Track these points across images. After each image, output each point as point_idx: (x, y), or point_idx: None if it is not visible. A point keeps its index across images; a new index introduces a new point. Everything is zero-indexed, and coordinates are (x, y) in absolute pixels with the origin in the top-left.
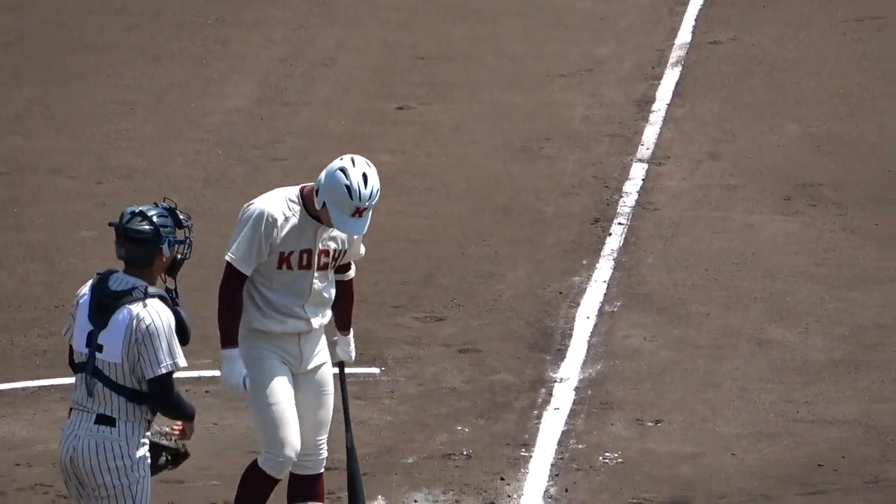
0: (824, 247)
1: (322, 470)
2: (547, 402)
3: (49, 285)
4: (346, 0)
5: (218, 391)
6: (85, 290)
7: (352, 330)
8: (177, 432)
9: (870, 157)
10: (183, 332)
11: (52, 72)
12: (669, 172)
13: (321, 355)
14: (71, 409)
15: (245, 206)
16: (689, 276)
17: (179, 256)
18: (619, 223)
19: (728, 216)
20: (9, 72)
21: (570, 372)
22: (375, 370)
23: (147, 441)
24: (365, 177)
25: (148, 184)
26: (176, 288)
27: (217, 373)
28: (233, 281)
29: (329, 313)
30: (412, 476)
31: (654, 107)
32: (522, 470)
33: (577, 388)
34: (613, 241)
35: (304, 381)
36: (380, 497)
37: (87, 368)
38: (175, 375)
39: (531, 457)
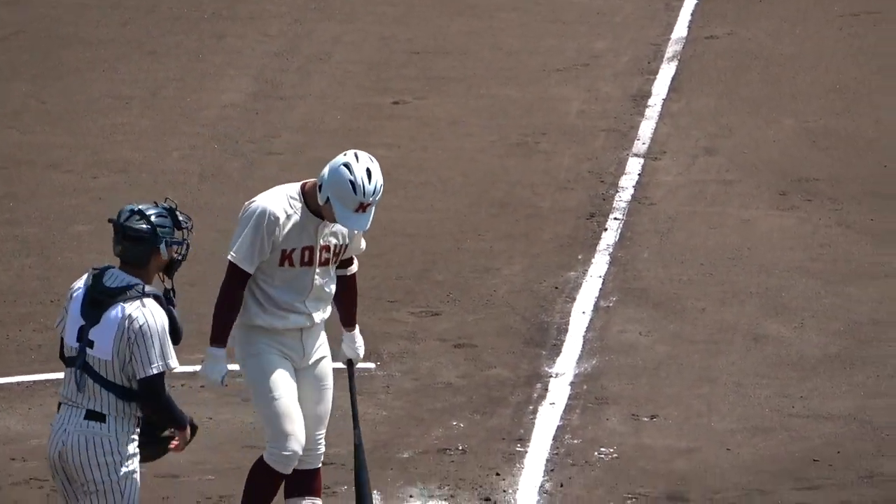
0: (820, 242)
1: (320, 465)
2: (542, 396)
3: (44, 280)
4: None
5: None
6: (79, 283)
7: (357, 326)
8: (173, 445)
9: (866, 151)
10: (175, 333)
11: (47, 66)
12: (665, 167)
13: (321, 349)
14: (60, 403)
15: (246, 204)
16: (685, 271)
17: (177, 257)
18: (615, 218)
19: (724, 211)
20: (5, 66)
21: (565, 367)
22: (371, 365)
23: (136, 437)
24: (369, 172)
25: (143, 178)
26: (173, 288)
27: None
28: (235, 280)
29: (329, 308)
30: (407, 471)
31: (650, 101)
32: (518, 465)
33: (572, 383)
34: (609, 236)
35: (303, 375)
36: (375, 492)
37: (77, 363)
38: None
39: (526, 452)
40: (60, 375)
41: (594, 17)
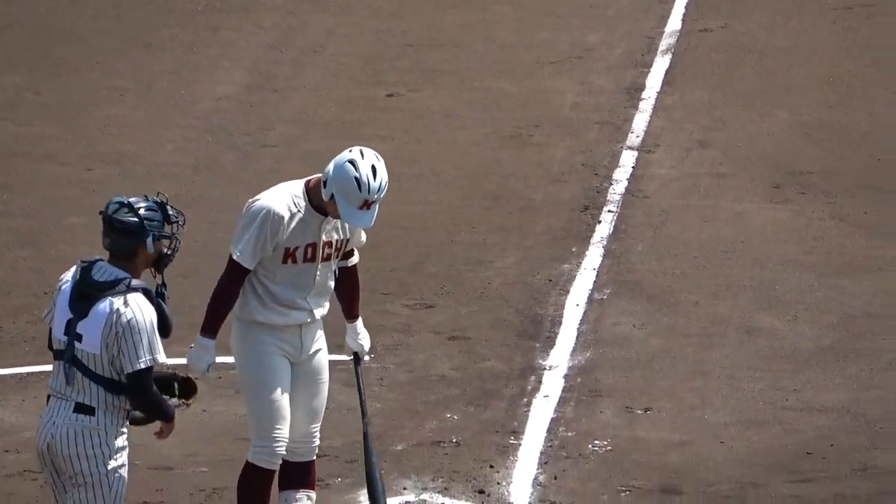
0: (814, 235)
1: (314, 457)
2: (536, 389)
3: (38, 272)
4: None
5: (207, 378)
6: (68, 275)
7: (360, 318)
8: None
9: (860, 145)
10: (164, 326)
11: (42, 59)
12: (659, 160)
13: (318, 343)
14: (49, 395)
15: (250, 201)
16: (679, 264)
17: (166, 252)
18: (609, 211)
19: (717, 204)
20: (0, 59)
21: (559, 359)
22: (365, 357)
23: (126, 430)
24: (374, 169)
25: (138, 170)
26: (164, 283)
27: None
28: (234, 275)
29: (328, 303)
30: (401, 463)
31: (644, 94)
32: (511, 457)
33: (566, 376)
34: (603, 229)
35: (299, 368)
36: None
37: (65, 357)
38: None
39: (520, 444)
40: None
41: (588, 9)
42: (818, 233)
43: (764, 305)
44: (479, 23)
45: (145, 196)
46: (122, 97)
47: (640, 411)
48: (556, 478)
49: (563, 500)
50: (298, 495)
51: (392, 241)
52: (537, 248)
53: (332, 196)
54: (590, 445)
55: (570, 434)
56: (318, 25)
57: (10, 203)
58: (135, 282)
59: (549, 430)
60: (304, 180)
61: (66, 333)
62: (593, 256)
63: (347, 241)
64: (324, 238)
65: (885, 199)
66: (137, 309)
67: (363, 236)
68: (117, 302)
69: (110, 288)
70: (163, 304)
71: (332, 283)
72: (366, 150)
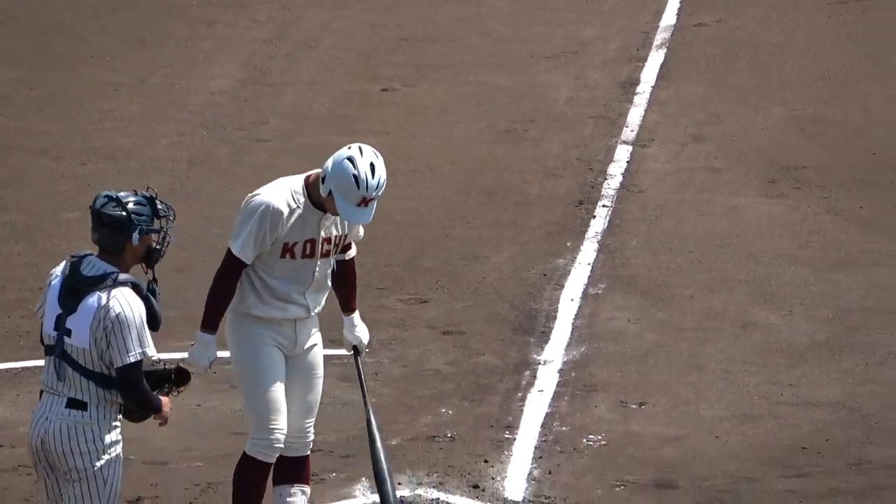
0: (808, 229)
1: (308, 452)
2: (531, 384)
3: (33, 266)
4: None
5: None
6: (58, 271)
7: (357, 311)
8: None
9: (854, 139)
10: (153, 320)
11: (37, 53)
12: (654, 155)
13: (313, 338)
14: (41, 391)
15: (249, 196)
16: (674, 258)
17: (156, 246)
18: (604, 205)
19: (712, 199)
20: None
21: (553, 354)
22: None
23: (119, 424)
24: (372, 167)
25: (132, 165)
26: (155, 279)
27: None
28: (232, 269)
29: (324, 299)
30: (396, 458)
31: (639, 89)
32: (506, 452)
33: (560, 371)
34: (598, 224)
35: (294, 363)
36: (363, 479)
37: (56, 352)
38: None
39: (515, 439)
40: None
41: (583, 4)
42: (813, 227)
43: (759, 300)
44: (473, 17)
45: (134, 191)
46: (116, 91)
47: (634, 406)
48: (550, 472)
49: (558, 495)
50: (293, 490)
51: (387, 236)
52: (532, 243)
53: (330, 192)
54: (584, 440)
55: (564, 429)
56: (313, 20)
57: (5, 197)
58: (123, 276)
59: (543, 425)
60: (304, 176)
61: (55, 329)
62: (588, 251)
63: (346, 236)
64: (323, 234)
65: (880, 194)
66: (125, 303)
67: (361, 231)
68: (105, 296)
69: (98, 283)
70: (152, 297)
71: (329, 280)
72: (365, 148)
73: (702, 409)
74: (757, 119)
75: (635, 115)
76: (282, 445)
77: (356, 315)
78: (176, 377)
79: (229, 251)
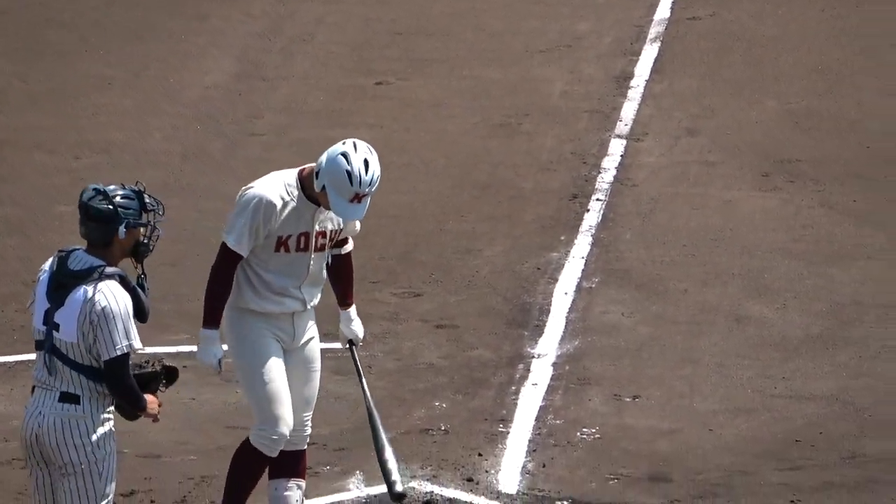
0: (802, 223)
1: (305, 446)
2: (524, 377)
3: (26, 260)
4: None
5: (195, 366)
6: (46, 266)
7: (354, 305)
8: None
9: (848, 133)
10: (141, 312)
11: (31, 46)
12: (648, 148)
13: (310, 331)
14: (34, 386)
15: (243, 189)
16: (667, 252)
17: (144, 240)
18: (598, 199)
19: (706, 192)
20: None
21: (547, 348)
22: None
23: (112, 416)
24: (366, 163)
25: (126, 158)
26: (144, 273)
27: (194, 348)
28: (227, 263)
29: (320, 293)
30: None
31: (633, 83)
32: (500, 445)
33: (554, 364)
34: (591, 217)
35: (292, 357)
36: (357, 472)
37: (45, 347)
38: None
39: (508, 432)
40: None
41: None
42: (807, 221)
43: (753, 293)
44: (468, 11)
45: (122, 184)
46: (110, 85)
47: (628, 399)
48: (544, 466)
49: (552, 488)
50: (289, 484)
51: (381, 230)
52: (526, 237)
53: (323, 188)
54: (578, 433)
55: (558, 422)
56: (307, 14)
57: None
58: (109, 269)
59: (537, 419)
60: (298, 169)
61: (44, 323)
62: (582, 245)
63: (341, 231)
64: (317, 228)
65: (874, 187)
66: (111, 296)
67: (357, 226)
68: (91, 290)
69: (85, 276)
70: (139, 289)
71: (325, 274)
72: (359, 143)
73: (695, 402)
74: (751, 113)
75: (629, 109)
76: (286, 437)
77: (353, 309)
78: (165, 376)
79: (224, 245)
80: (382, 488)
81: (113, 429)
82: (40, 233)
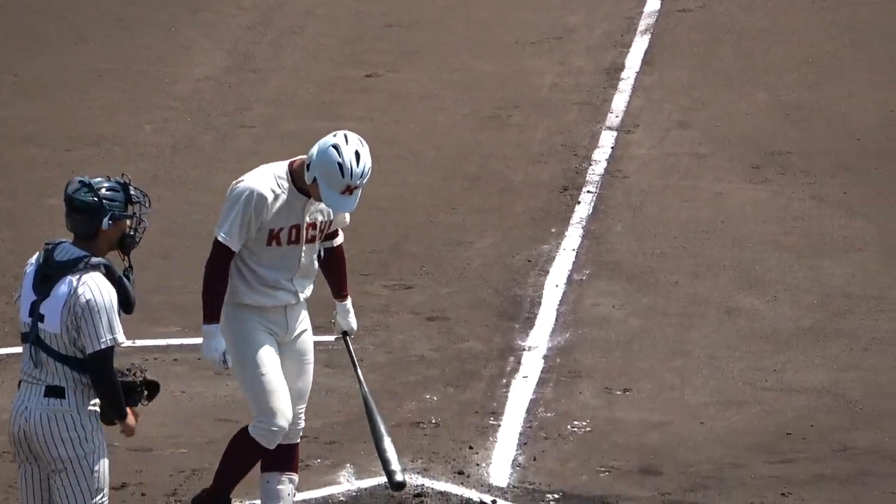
0: (793, 215)
1: (298, 440)
2: (515, 370)
3: (17, 253)
4: None
5: (186, 359)
6: (33, 259)
7: (349, 297)
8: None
9: (839, 125)
10: (126, 303)
11: (21, 39)
12: (638, 140)
13: (303, 324)
14: (20, 381)
15: (234, 183)
16: (658, 244)
17: (130, 232)
18: (588, 191)
19: (697, 184)
20: None
21: (538, 340)
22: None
23: (98, 409)
24: (357, 155)
25: (116, 151)
26: (131, 266)
27: (185, 341)
28: (221, 258)
29: (312, 284)
30: None
31: (623, 75)
32: (491, 438)
33: (545, 357)
34: (582, 210)
35: (285, 350)
36: (348, 465)
37: (30, 339)
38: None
39: (499, 425)
40: None
41: None
42: (798, 213)
43: (744, 286)
44: (458, 3)
45: (108, 177)
46: (100, 78)
47: (619, 392)
48: (535, 458)
49: (543, 481)
50: (281, 478)
51: (371, 222)
52: (517, 229)
53: (314, 180)
54: (569, 426)
55: (549, 415)
56: (298, 6)
57: None
58: (94, 259)
59: (528, 411)
60: (288, 161)
61: (30, 315)
62: (572, 237)
63: (331, 223)
64: (307, 220)
65: (865, 180)
66: (96, 288)
67: (347, 218)
68: (76, 281)
69: (71, 267)
70: (125, 280)
71: (316, 265)
72: (350, 135)
73: (686, 394)
74: (741, 105)
75: (620, 101)
76: (286, 428)
77: (348, 300)
78: (147, 389)
79: (216, 240)
80: (373, 481)
81: (100, 422)
82: (31, 225)
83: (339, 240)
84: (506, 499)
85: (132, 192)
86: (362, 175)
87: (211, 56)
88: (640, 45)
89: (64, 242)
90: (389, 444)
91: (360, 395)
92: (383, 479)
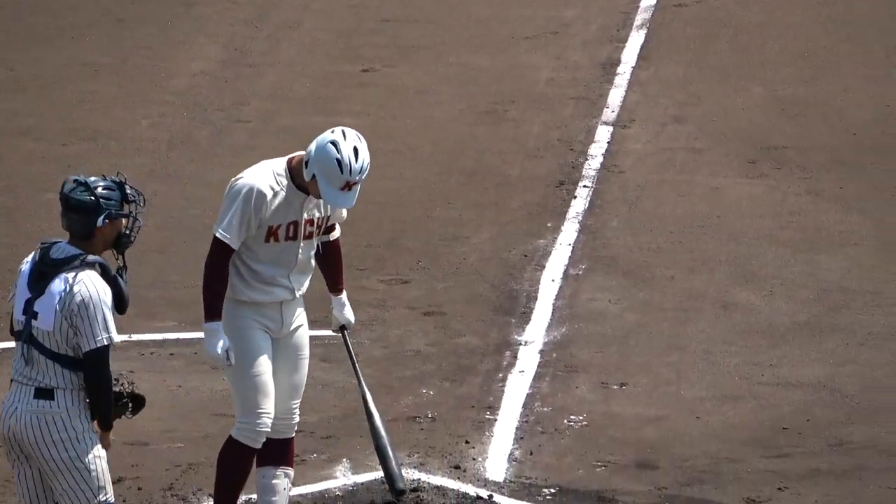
0: (789, 210)
1: (293, 435)
2: (512, 364)
3: (13, 247)
4: None
5: (182, 354)
6: (28, 258)
7: (344, 291)
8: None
9: (835, 120)
10: (120, 302)
11: (17, 33)
12: (634, 135)
13: (299, 319)
14: (11, 380)
15: (233, 180)
16: (654, 239)
17: (125, 231)
18: (585, 186)
19: (693, 179)
20: None
21: (534, 335)
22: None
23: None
24: (356, 151)
25: (113, 146)
26: (125, 265)
27: (181, 335)
28: (220, 256)
29: (308, 281)
30: None
31: (620, 69)
32: (487, 433)
33: (541, 351)
34: (578, 204)
35: (280, 345)
36: (344, 460)
37: (23, 336)
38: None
39: (496, 420)
40: None
41: None
42: (794, 208)
43: (740, 280)
44: None
45: (103, 175)
46: (96, 73)
47: (615, 386)
48: (531, 453)
49: (539, 476)
50: (277, 472)
51: (368, 217)
52: (513, 224)
53: (313, 176)
54: (565, 421)
55: (545, 409)
56: (294, 1)
57: None
58: (90, 257)
59: (524, 406)
60: (287, 158)
61: (24, 313)
62: (569, 232)
63: (328, 218)
64: (305, 216)
65: (861, 174)
66: (92, 286)
67: (344, 213)
68: (71, 278)
69: (65, 264)
70: (119, 279)
71: (313, 262)
72: (348, 131)
73: (682, 389)
74: (737, 99)
75: (616, 96)
76: (269, 430)
77: (344, 294)
78: (132, 401)
79: (216, 238)
80: (370, 476)
81: (92, 422)
82: (27, 220)
83: (336, 234)
84: (502, 493)
85: (128, 191)
86: (361, 171)
87: (207, 51)
88: (636, 39)
89: (59, 242)
90: (391, 450)
91: (360, 395)
92: (380, 474)
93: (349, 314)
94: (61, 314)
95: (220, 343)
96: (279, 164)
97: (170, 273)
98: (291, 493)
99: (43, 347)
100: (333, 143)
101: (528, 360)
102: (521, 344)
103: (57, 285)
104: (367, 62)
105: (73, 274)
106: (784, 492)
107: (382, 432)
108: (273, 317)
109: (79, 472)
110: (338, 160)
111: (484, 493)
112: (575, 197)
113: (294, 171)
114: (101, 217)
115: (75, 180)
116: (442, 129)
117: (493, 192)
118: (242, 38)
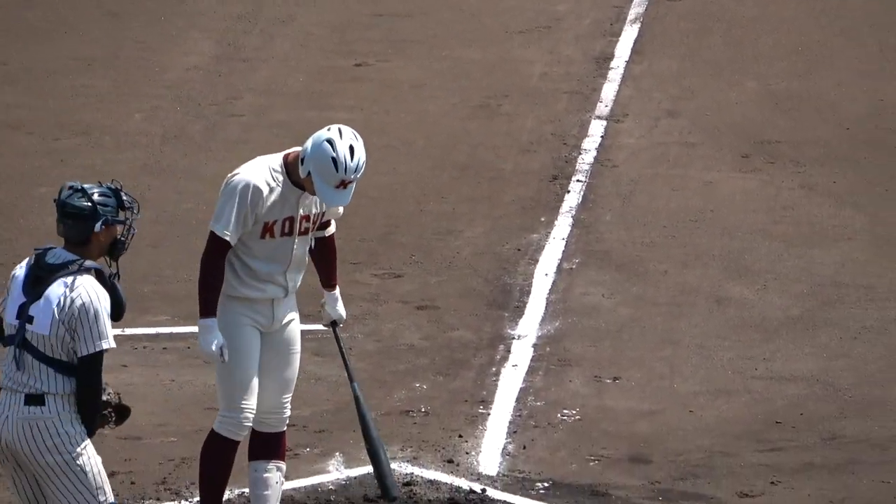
0: (782, 204)
1: (284, 428)
2: (505, 358)
3: (7, 242)
4: None
5: (175, 348)
6: (22, 264)
7: (338, 287)
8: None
9: (828, 114)
10: (118, 307)
11: (9, 27)
12: (628, 130)
13: (290, 314)
14: (1, 388)
15: (229, 176)
16: (648, 233)
17: (121, 238)
18: (578, 180)
19: (686, 174)
20: None
21: (528, 329)
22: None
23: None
24: (352, 149)
25: (106, 140)
26: (118, 272)
27: (175, 329)
28: (217, 252)
29: (301, 277)
30: None
31: (613, 64)
32: (480, 427)
33: (535, 345)
34: (572, 199)
35: (271, 339)
36: (337, 454)
37: (16, 340)
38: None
39: (489, 414)
40: None
41: None
42: (787, 202)
43: (733, 275)
44: None
45: (99, 182)
46: (90, 66)
47: (608, 380)
48: (524, 447)
49: (532, 470)
50: (269, 466)
51: (361, 212)
52: (506, 218)
53: (309, 173)
54: (559, 415)
55: (538, 403)
56: None
57: None
58: (88, 263)
59: (517, 400)
60: (283, 154)
61: (17, 317)
62: (562, 226)
63: (323, 214)
64: (301, 212)
65: (854, 169)
66: (92, 291)
67: (340, 209)
68: (70, 284)
69: (63, 269)
70: (116, 285)
71: (307, 258)
72: (344, 129)
73: (676, 383)
74: (730, 94)
75: (609, 90)
76: (250, 424)
77: (337, 290)
78: (116, 412)
79: (212, 234)
80: (362, 470)
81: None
82: (20, 215)
83: (332, 229)
84: (495, 487)
85: (124, 198)
86: (356, 169)
87: (200, 45)
88: (629, 34)
89: (54, 247)
90: (384, 454)
91: (352, 394)
92: (372, 468)
93: (341, 310)
94: (59, 318)
95: (215, 340)
96: (275, 159)
97: (163, 267)
98: (284, 488)
99: (37, 351)
100: (329, 141)
101: (521, 354)
102: (514, 338)
103: (56, 290)
104: (360, 57)
105: (71, 278)
106: (777, 486)
107: (374, 432)
108: (264, 312)
109: (75, 474)
110: (333, 158)
111: (477, 487)
112: (568, 191)
113: (290, 167)
114: (98, 223)
115: (71, 186)
116: (435, 123)
117: (486, 187)
118: (236, 32)
